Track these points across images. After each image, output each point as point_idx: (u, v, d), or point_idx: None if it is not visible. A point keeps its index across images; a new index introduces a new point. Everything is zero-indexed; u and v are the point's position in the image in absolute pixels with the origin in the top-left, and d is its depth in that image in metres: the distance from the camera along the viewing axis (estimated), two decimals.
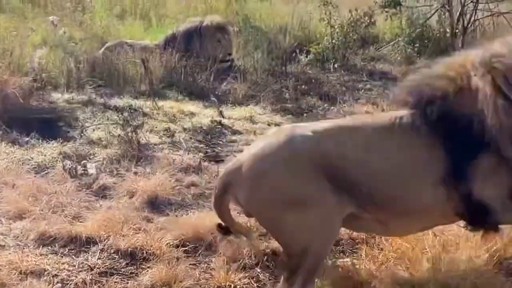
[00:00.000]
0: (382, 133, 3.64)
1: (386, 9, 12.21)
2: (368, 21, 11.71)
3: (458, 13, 12.17)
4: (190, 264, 4.19)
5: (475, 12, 12.43)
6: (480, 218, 3.58)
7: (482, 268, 3.91)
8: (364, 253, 4.28)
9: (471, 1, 12.24)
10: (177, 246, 4.39)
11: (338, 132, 3.65)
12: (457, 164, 3.46)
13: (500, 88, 3.48)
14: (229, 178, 3.66)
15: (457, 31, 12.06)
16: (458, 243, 4.16)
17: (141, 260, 4.27)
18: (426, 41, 11.93)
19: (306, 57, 11.20)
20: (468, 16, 12.29)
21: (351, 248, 4.49)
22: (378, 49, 12.29)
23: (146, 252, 4.32)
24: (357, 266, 4.07)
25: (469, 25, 12.40)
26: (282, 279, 3.62)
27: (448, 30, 12.20)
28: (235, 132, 7.29)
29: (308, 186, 3.49)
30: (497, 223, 3.62)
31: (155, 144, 6.57)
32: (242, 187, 3.59)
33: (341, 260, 4.26)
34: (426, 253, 4.08)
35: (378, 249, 4.29)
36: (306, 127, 3.69)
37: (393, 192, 3.55)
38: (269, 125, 7.67)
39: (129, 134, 6.35)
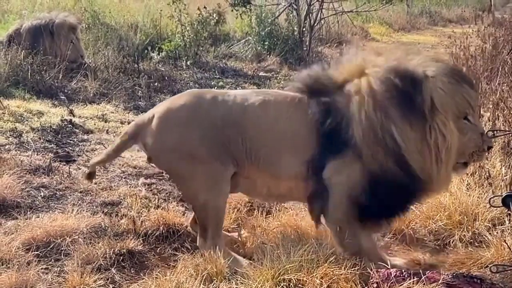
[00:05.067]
0: (280, 102, 4.14)
1: (236, 8, 12.46)
2: (217, 18, 11.85)
3: (305, 12, 12.64)
4: (42, 268, 4.03)
5: (321, 11, 12.98)
6: (315, 198, 4.03)
7: None
8: None
9: (317, 0, 12.75)
10: (28, 250, 4.22)
11: (244, 92, 4.30)
12: (321, 153, 3.94)
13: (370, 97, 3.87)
14: (138, 128, 4.24)
15: (304, 29, 12.52)
16: None
17: None
18: (275, 39, 12.27)
19: (158, 54, 11.16)
20: (314, 14, 12.81)
21: None
22: (230, 46, 12.48)
23: None
24: None
25: (316, 24, 12.94)
26: (198, 235, 4.24)
27: (296, 28, 12.62)
28: (86, 131, 7.11)
29: (200, 145, 4.02)
30: (321, 212, 4.06)
31: (1, 145, 6.27)
32: (148, 134, 4.14)
33: None
34: None
35: None
36: (214, 91, 4.39)
37: (269, 154, 4.07)
38: (122, 123, 7.57)
39: None
